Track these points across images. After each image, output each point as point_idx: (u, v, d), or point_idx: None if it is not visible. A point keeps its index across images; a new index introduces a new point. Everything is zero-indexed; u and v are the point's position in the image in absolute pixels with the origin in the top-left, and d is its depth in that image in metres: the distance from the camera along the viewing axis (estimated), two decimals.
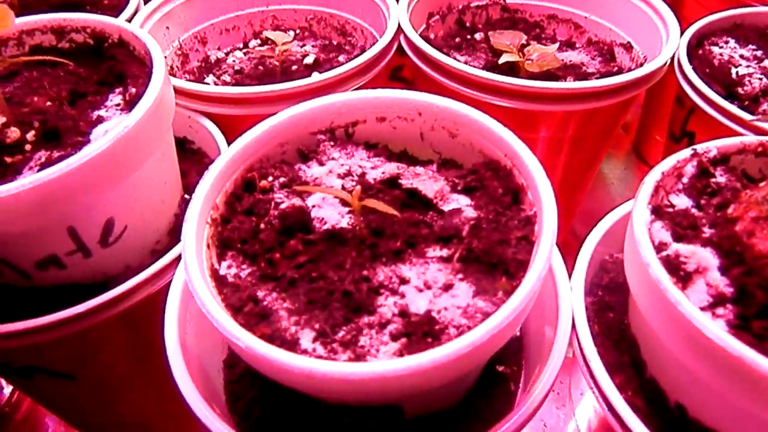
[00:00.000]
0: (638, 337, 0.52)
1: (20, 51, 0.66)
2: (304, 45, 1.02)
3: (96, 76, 0.65)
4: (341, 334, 0.42)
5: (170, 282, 0.55)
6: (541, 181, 0.48)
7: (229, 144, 0.62)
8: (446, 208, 0.51)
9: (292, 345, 0.42)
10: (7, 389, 0.98)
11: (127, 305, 0.55)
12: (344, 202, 0.51)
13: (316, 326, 0.43)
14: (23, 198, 0.46)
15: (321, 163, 0.54)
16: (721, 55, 0.86)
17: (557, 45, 0.91)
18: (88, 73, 0.65)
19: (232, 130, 0.73)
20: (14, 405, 0.99)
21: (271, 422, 0.53)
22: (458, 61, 0.79)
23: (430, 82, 0.82)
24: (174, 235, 0.65)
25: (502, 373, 0.57)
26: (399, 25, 0.84)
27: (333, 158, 0.55)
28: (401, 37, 0.85)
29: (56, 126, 0.58)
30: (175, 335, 0.50)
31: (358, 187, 0.47)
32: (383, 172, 0.54)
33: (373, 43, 0.97)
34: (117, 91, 0.64)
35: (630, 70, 0.92)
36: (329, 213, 0.50)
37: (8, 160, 0.55)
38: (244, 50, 1.02)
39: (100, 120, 0.60)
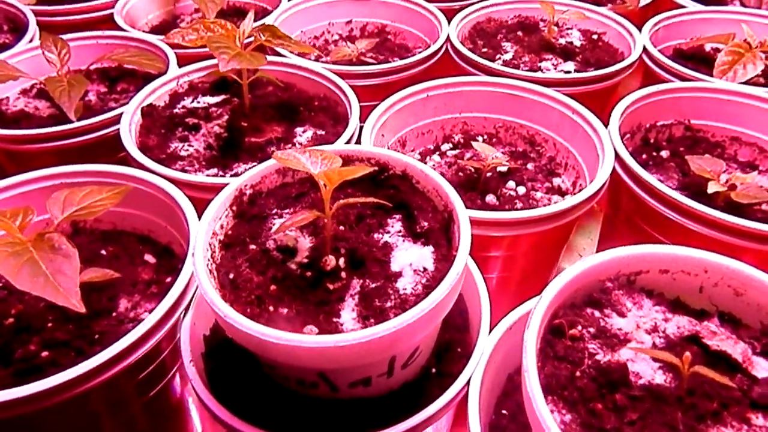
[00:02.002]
0: None
1: (308, 174, 0.74)
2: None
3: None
4: None
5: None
6: None
7: None
8: (755, 373, 0.54)
9: None
10: None
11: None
12: (655, 358, 0.55)
13: None
14: (386, 339, 0.53)
15: (621, 314, 0.59)
16: None
17: (756, 172, 0.95)
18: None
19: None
20: None
21: None
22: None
23: (640, 205, 0.87)
24: (432, 354, 0.71)
25: None
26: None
27: (628, 308, 0.60)
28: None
29: (362, 254, 0.65)
30: None
31: (688, 354, 0.52)
32: (678, 327, 0.59)
33: (567, 156, 1.04)
34: (396, 217, 0.71)
35: None
36: (643, 368, 0.55)
37: (331, 286, 0.62)
38: (438, 153, 1.10)
39: (388, 246, 0.67)
